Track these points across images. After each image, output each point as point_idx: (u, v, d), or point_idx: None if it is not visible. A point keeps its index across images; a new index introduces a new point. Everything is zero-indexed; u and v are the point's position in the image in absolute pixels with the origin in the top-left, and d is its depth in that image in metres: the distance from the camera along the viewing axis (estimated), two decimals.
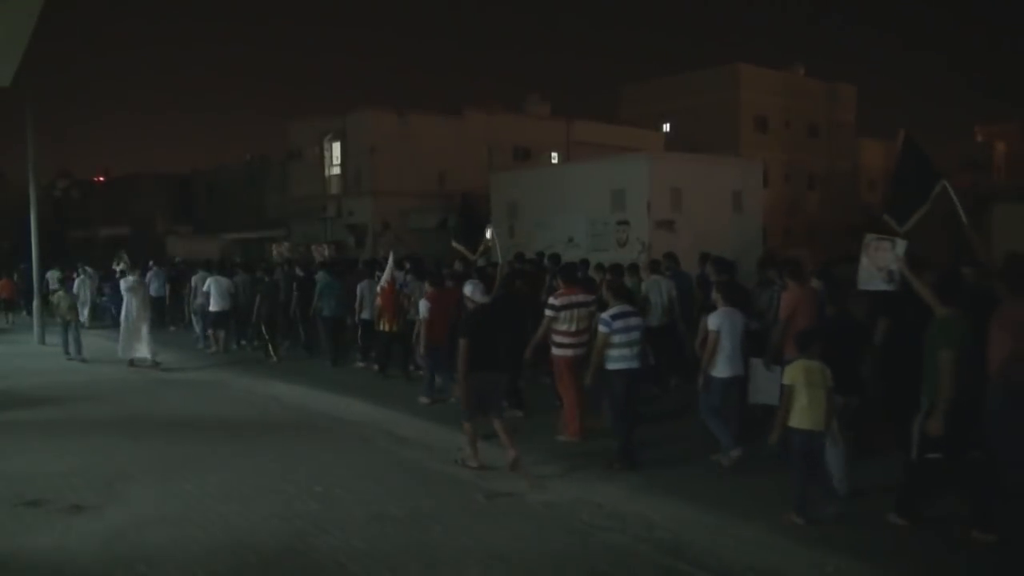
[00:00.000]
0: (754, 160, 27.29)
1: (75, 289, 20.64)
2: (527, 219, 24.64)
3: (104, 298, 21.15)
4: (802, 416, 5.65)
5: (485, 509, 6.14)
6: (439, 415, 9.29)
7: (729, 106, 39.79)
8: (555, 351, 8.21)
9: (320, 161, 33.82)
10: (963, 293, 5.97)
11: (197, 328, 15.86)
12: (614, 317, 7.20)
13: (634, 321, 7.31)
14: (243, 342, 15.53)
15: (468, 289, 8.41)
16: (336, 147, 33.34)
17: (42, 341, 16.89)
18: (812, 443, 5.69)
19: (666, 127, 41.62)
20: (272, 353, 14.01)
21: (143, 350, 13.51)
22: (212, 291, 14.74)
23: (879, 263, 7.55)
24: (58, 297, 14.76)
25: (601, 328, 7.28)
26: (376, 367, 12.27)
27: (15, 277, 24.01)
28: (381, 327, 11.79)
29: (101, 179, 49.73)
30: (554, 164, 34.06)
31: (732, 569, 5.03)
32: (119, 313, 20.20)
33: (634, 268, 11.13)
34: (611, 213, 21.13)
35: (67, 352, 14.49)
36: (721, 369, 7.02)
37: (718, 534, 5.57)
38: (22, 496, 6.44)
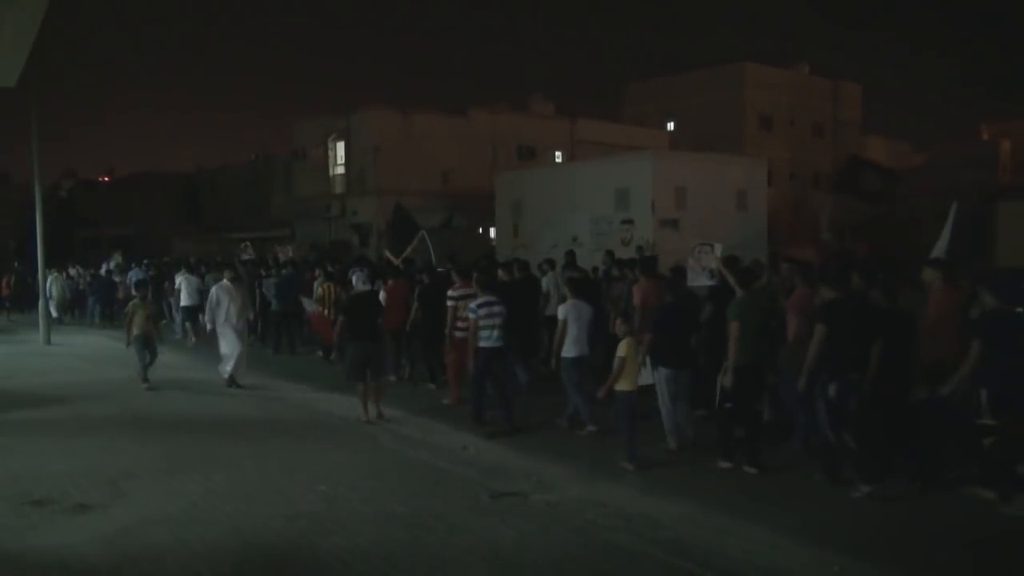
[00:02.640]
0: (759, 159, 27.28)
1: (48, 287, 21.12)
2: (531, 218, 24.66)
3: (92, 296, 21.77)
4: (625, 380, 7.13)
5: (489, 508, 6.13)
6: (443, 415, 9.31)
7: (734, 105, 39.72)
8: (455, 333, 9.62)
9: (324, 161, 33.84)
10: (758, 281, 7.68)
11: (177, 323, 17.19)
12: (479, 306, 8.72)
13: (496, 309, 8.74)
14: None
15: (353, 279, 10.52)
16: (340, 147, 33.37)
17: (47, 341, 16.92)
18: (632, 400, 7.14)
19: (670, 126, 41.58)
20: None
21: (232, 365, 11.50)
22: (183, 288, 16.15)
23: (703, 264, 9.66)
24: (133, 305, 11.58)
25: (470, 315, 8.80)
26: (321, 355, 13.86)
27: (12, 277, 24.11)
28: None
29: (106, 179, 49.90)
30: (558, 163, 34.05)
31: (737, 569, 5.03)
32: (104, 311, 21.10)
33: (540, 265, 12.81)
34: (615, 212, 21.14)
35: (146, 379, 11.45)
36: (569, 350, 8.26)
37: (723, 534, 5.56)
38: (28, 495, 6.46)
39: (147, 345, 11.42)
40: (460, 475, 7.01)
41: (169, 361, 14.19)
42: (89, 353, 15.38)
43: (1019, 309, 6.44)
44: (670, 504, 6.15)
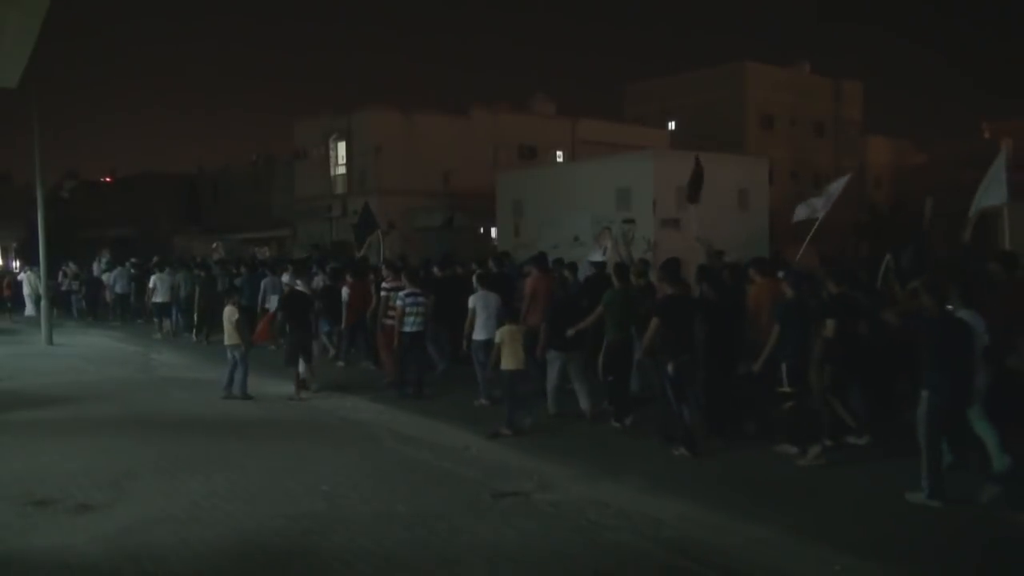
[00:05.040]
0: (760, 158, 27.28)
1: (25, 284, 22.19)
2: (532, 218, 24.69)
3: (75, 294, 22.61)
4: (508, 360, 8.32)
5: (491, 508, 6.14)
6: (445, 415, 9.31)
7: (735, 104, 39.73)
8: (385, 321, 11.10)
9: (326, 161, 33.87)
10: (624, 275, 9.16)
11: (156, 319, 18.31)
12: (406, 296, 10.27)
13: (420, 299, 10.33)
14: (185, 331, 17.48)
15: (286, 278, 12.88)
16: (341, 147, 33.39)
17: (50, 341, 16.94)
18: (515, 377, 8.39)
19: (671, 125, 41.58)
20: (195, 335, 16.51)
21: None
22: (157, 286, 17.63)
23: (601, 243, 11.75)
24: (230, 311, 10.65)
25: (397, 304, 10.39)
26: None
27: (12, 278, 24.46)
28: None
29: (108, 179, 49.89)
30: (559, 163, 34.06)
31: (739, 568, 5.02)
32: (88, 308, 21.89)
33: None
34: (616, 211, 21.13)
35: (228, 388, 10.48)
36: (478, 333, 9.46)
37: (725, 533, 5.56)
38: (31, 495, 6.46)
39: (239, 356, 10.52)
40: (462, 475, 7.01)
41: (169, 361, 14.23)
42: (91, 353, 15.39)
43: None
44: (672, 503, 6.15)
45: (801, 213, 12.47)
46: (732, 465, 7.18)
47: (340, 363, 13.07)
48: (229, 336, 10.50)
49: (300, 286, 11.55)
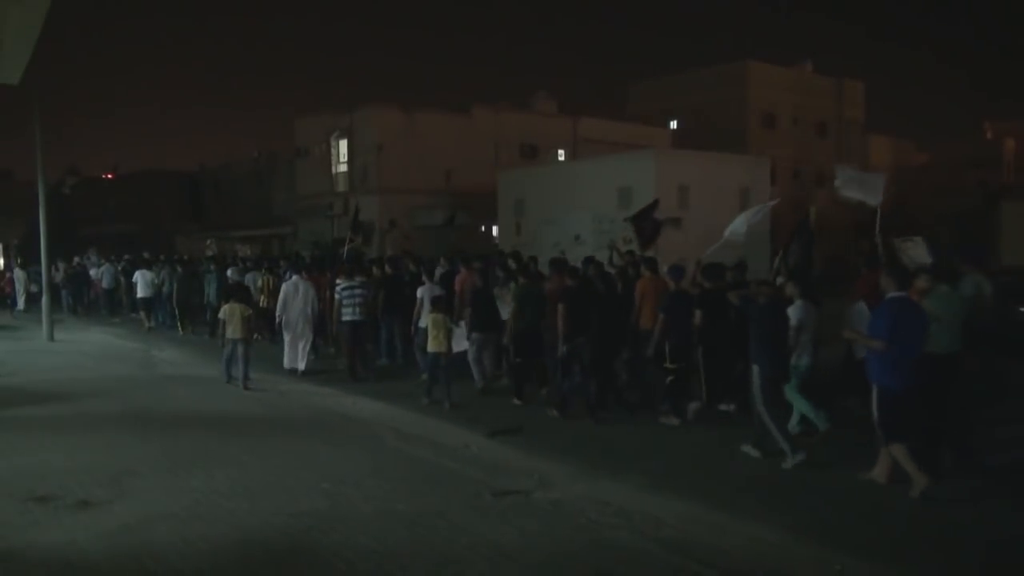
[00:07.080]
0: (762, 157, 27.24)
1: (16, 282, 23.11)
2: (533, 217, 24.66)
3: (65, 290, 23.03)
4: (433, 344, 9.69)
5: (492, 507, 6.14)
6: (447, 413, 9.32)
7: (737, 103, 39.65)
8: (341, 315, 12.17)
9: (327, 159, 33.85)
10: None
11: (143, 314, 18.99)
12: (343, 289, 11.52)
13: (358, 291, 11.49)
14: (162, 321, 18.56)
15: (229, 272, 15.01)
16: (343, 144, 33.37)
17: (51, 337, 16.96)
18: (439, 360, 9.74)
19: (673, 124, 41.53)
20: (180, 328, 17.34)
21: (298, 360, 12.07)
22: (139, 281, 18.50)
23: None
24: (243, 308, 11.01)
25: (336, 296, 11.64)
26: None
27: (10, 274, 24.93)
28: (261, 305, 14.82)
29: (110, 176, 49.92)
30: (561, 162, 34.03)
31: (740, 567, 5.02)
32: (75, 304, 22.50)
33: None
34: (617, 210, 21.10)
35: (229, 377, 11.19)
36: (423, 321, 10.55)
37: (726, 532, 5.56)
38: (31, 492, 6.47)
39: (237, 347, 10.99)
40: (462, 473, 7.02)
41: (171, 358, 14.24)
42: (92, 350, 15.40)
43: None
44: (673, 502, 6.15)
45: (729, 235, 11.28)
46: (732, 464, 7.18)
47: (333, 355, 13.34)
48: (240, 330, 10.95)
49: (238, 278, 14.00)
